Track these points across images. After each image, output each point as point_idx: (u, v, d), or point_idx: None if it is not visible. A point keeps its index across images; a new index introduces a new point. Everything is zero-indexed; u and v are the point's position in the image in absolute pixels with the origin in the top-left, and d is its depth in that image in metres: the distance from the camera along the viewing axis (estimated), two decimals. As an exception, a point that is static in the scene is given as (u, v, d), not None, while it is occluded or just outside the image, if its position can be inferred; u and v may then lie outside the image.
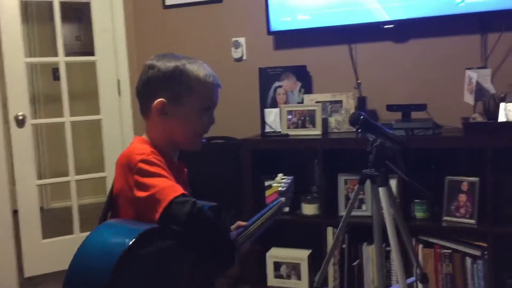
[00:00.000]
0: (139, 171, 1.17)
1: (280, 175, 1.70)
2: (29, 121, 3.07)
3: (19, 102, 3.03)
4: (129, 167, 1.19)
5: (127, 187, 1.20)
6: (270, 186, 2.67)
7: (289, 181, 1.70)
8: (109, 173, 3.22)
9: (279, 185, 1.65)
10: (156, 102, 1.28)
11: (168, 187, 1.14)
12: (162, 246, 1.10)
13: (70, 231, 3.22)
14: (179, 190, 1.14)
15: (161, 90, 1.28)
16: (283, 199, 1.60)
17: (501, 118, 2.30)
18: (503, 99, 2.35)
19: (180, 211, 1.10)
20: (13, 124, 3.01)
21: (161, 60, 1.30)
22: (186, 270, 1.18)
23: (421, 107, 2.50)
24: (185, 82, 1.28)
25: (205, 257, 1.20)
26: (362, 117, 1.67)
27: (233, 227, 1.40)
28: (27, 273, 3.07)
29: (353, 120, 1.70)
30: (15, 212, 2.99)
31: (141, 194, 1.15)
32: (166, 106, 1.28)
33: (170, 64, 1.28)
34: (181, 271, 1.17)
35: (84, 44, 4.67)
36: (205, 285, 1.28)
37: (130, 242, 1.00)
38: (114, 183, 1.26)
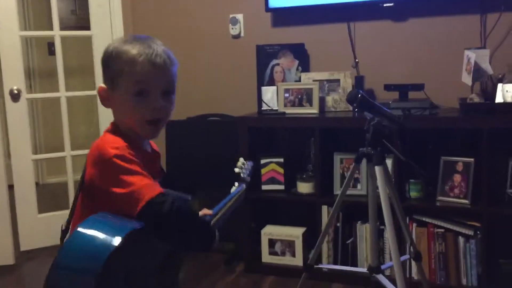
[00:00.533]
0: (114, 167, 1.12)
1: (241, 159, 1.62)
2: (24, 95, 3.04)
3: (14, 76, 3.00)
4: (101, 160, 1.14)
5: (100, 179, 1.15)
6: (266, 164, 2.69)
7: (249, 166, 1.65)
8: (105, 149, 3.21)
9: (240, 170, 1.60)
10: (98, 88, 1.24)
11: (145, 187, 1.10)
12: (140, 242, 1.09)
13: (65, 206, 3.22)
14: (157, 189, 1.11)
15: (103, 75, 1.23)
16: (244, 185, 1.57)
17: (499, 99, 2.30)
18: (501, 80, 2.35)
19: (158, 211, 1.07)
20: (8, 98, 2.99)
21: (111, 45, 1.23)
22: (160, 261, 1.18)
23: (419, 87, 2.50)
24: (116, 64, 1.18)
25: (183, 248, 1.19)
26: (359, 95, 1.67)
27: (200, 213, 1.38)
28: (23, 247, 3.09)
29: (351, 98, 1.70)
30: (10, 187, 2.99)
31: (118, 190, 1.11)
32: (107, 92, 1.22)
33: (109, 47, 1.22)
34: (156, 263, 1.17)
35: (79, 18, 4.61)
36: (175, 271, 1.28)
37: (117, 244, 0.99)
38: (86, 172, 1.19)
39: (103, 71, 1.23)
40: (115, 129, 1.24)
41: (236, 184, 1.59)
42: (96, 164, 1.15)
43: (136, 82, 1.17)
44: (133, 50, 1.17)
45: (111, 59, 1.20)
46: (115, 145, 1.15)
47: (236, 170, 1.59)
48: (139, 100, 1.18)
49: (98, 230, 1.03)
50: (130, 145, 1.17)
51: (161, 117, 1.22)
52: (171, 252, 1.22)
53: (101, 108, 3.21)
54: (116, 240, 0.99)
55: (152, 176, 1.17)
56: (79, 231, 1.03)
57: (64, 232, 1.20)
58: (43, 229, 3.11)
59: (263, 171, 2.70)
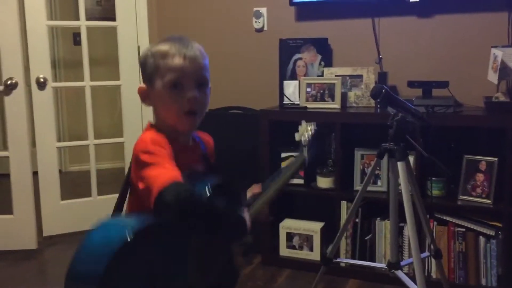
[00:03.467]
0: (137, 162, 1.17)
1: (303, 123, 1.44)
2: (50, 84, 3.10)
3: (40, 65, 3.06)
4: (133, 157, 1.20)
5: (134, 176, 1.20)
6: (286, 158, 2.69)
7: (312, 130, 1.47)
8: (127, 139, 3.26)
9: (301, 137, 1.44)
10: (137, 88, 1.30)
11: (159, 176, 1.09)
12: (155, 239, 1.07)
13: (87, 194, 3.28)
14: (169, 176, 1.08)
15: (142, 76, 1.30)
16: (306, 156, 1.48)
17: (525, 98, 2.26)
18: (528, 79, 2.31)
19: (167, 201, 1.04)
20: (34, 86, 3.05)
21: (147, 47, 1.31)
22: (194, 251, 1.16)
23: (443, 84, 2.47)
24: (152, 62, 1.25)
25: (213, 235, 1.17)
26: (384, 90, 1.66)
27: (248, 191, 1.40)
28: (46, 233, 3.16)
29: (375, 93, 1.70)
30: (35, 174, 3.06)
31: (140, 185, 1.15)
32: (146, 90, 1.28)
33: (145, 50, 1.29)
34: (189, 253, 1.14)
35: (104, 9, 4.66)
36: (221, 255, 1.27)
37: (119, 245, 0.98)
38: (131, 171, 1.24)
39: (142, 72, 1.29)
40: (151, 127, 1.29)
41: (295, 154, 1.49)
42: (133, 161, 1.21)
43: (170, 75, 1.22)
44: (165, 46, 1.24)
45: (147, 59, 1.26)
46: (142, 140, 1.19)
47: (297, 137, 1.49)
48: (175, 93, 1.23)
49: (103, 233, 1.02)
50: (168, 138, 1.21)
51: (197, 108, 1.26)
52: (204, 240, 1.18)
53: (125, 98, 3.27)
54: (120, 241, 0.97)
55: (188, 167, 1.20)
56: (86, 238, 1.02)
57: None
58: (66, 215, 3.17)
59: (283, 164, 2.70)
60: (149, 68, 1.25)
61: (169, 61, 1.22)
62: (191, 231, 1.11)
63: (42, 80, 3.04)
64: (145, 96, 1.29)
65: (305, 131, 1.49)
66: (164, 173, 1.10)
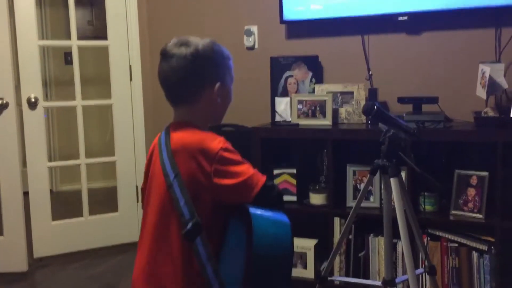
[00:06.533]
0: (222, 160, 1.23)
1: None
2: (41, 104, 3.09)
3: (31, 85, 3.06)
4: (203, 155, 1.24)
5: (201, 174, 1.23)
6: (279, 175, 2.69)
7: None
8: (119, 158, 3.24)
9: None
10: (217, 86, 1.34)
11: (255, 174, 1.26)
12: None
13: (78, 214, 3.25)
14: (263, 175, 1.27)
15: (213, 74, 1.35)
16: None
17: (513, 113, 2.29)
18: (516, 94, 2.34)
19: (271, 194, 1.26)
20: (25, 106, 3.04)
21: (193, 45, 1.32)
22: None
23: (433, 100, 2.50)
24: (225, 62, 1.37)
25: None
26: (375, 107, 1.68)
27: None
28: (37, 254, 3.11)
29: (367, 110, 1.71)
30: (25, 194, 3.03)
31: (229, 181, 1.22)
32: (220, 88, 1.36)
33: (208, 48, 1.33)
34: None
35: (96, 29, 4.68)
36: None
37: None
38: (180, 169, 1.25)
39: (213, 70, 1.35)
40: (195, 126, 1.34)
41: None
42: (200, 160, 1.23)
43: (232, 73, 1.42)
44: (223, 48, 1.39)
45: (217, 58, 1.35)
46: (216, 139, 1.27)
47: None
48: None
49: (272, 218, 1.20)
50: None
51: None
52: None
53: (117, 117, 3.26)
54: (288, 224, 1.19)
55: None
56: (257, 214, 1.17)
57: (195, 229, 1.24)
58: (57, 236, 3.14)
59: (275, 182, 2.70)
60: (222, 66, 1.36)
61: (231, 62, 1.40)
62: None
63: (33, 100, 3.03)
64: (220, 93, 1.36)
65: None
66: (256, 170, 1.27)
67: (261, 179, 1.25)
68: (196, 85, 1.33)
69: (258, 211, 1.19)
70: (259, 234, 1.13)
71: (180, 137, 1.30)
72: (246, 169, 1.25)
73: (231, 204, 1.25)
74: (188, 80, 1.32)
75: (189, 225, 1.19)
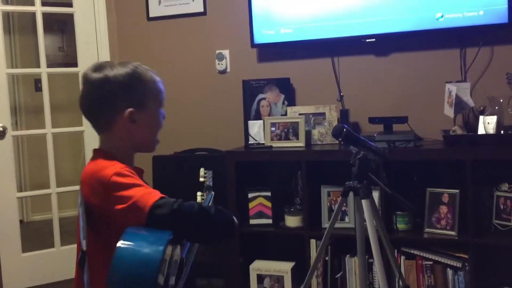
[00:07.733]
0: (114, 186, 1.18)
1: (202, 169, 1.68)
2: (10, 133, 3.03)
3: (-1, 114, 2.99)
4: (99, 183, 1.21)
5: (98, 202, 1.21)
6: (254, 198, 2.68)
7: (211, 174, 1.70)
8: (91, 185, 3.18)
9: (205, 179, 1.65)
10: (127, 112, 1.29)
11: (145, 194, 1.17)
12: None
13: (50, 244, 3.17)
14: (157, 194, 1.18)
15: (124, 100, 1.29)
16: (212, 193, 1.61)
17: (481, 130, 2.34)
18: (482, 112, 2.40)
19: (162, 214, 1.14)
20: (-7, 135, 2.97)
21: (106, 71, 1.29)
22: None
23: (403, 120, 2.54)
24: (143, 87, 1.31)
25: (209, 241, 1.30)
26: (344, 129, 1.69)
27: None
28: (6, 287, 3.01)
29: (336, 133, 1.72)
30: (-6, 225, 2.94)
31: (120, 206, 1.17)
32: (135, 114, 1.30)
33: (122, 73, 1.29)
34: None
35: (67, 55, 4.64)
36: None
37: (163, 249, 1.06)
38: (87, 201, 1.23)
39: (127, 96, 1.30)
40: (105, 155, 1.30)
41: (199, 193, 1.62)
42: (96, 190, 1.21)
43: (160, 98, 1.37)
44: (149, 71, 1.34)
45: (135, 83, 1.30)
46: (112, 166, 1.22)
47: (201, 179, 1.63)
48: (160, 113, 1.37)
49: (140, 241, 1.08)
50: (125, 163, 1.27)
51: None
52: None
53: (88, 144, 3.21)
54: (162, 247, 1.06)
55: None
56: (122, 246, 1.07)
57: (81, 256, 1.20)
58: (27, 268, 3.04)
59: (250, 205, 2.69)
60: (140, 92, 1.31)
61: (159, 86, 1.35)
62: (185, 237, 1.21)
63: (1, 129, 2.97)
64: (133, 120, 1.30)
65: (205, 174, 1.66)
66: (149, 191, 1.18)
67: (152, 199, 1.15)
68: (105, 112, 1.30)
69: (127, 241, 1.08)
70: (115, 266, 1.06)
71: (88, 167, 1.30)
72: (136, 192, 1.17)
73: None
74: (95, 108, 1.31)
75: (81, 254, 1.19)
